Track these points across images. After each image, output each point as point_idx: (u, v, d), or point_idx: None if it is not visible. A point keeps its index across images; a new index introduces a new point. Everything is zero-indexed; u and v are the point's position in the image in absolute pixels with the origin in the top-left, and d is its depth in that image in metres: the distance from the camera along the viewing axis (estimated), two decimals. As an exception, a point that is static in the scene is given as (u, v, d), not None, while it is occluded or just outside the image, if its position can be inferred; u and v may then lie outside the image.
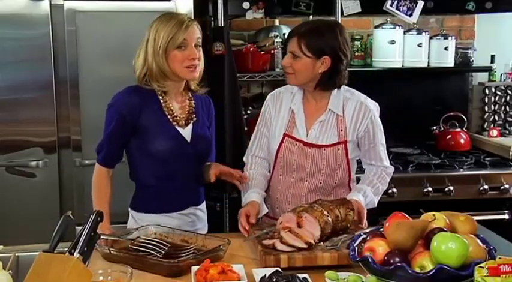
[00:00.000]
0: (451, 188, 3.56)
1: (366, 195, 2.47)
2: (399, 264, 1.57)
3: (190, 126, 2.46)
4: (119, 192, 3.18)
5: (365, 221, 2.38)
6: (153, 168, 2.45)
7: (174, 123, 2.43)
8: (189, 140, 2.44)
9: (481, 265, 1.52)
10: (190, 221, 2.51)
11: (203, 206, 2.60)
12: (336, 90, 2.49)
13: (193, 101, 2.52)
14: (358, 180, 2.61)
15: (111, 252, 2.10)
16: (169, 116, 2.43)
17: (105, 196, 2.51)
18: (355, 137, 2.49)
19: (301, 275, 1.82)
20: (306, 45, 2.37)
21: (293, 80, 2.46)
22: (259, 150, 2.59)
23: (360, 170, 2.67)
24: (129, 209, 2.58)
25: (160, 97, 2.44)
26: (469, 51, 4.15)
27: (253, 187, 2.50)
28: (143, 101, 2.42)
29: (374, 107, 2.53)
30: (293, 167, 2.49)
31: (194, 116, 2.49)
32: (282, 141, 2.50)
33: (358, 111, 2.48)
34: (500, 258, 1.56)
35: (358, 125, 2.48)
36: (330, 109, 2.47)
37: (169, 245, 2.13)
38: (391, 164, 2.63)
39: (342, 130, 2.47)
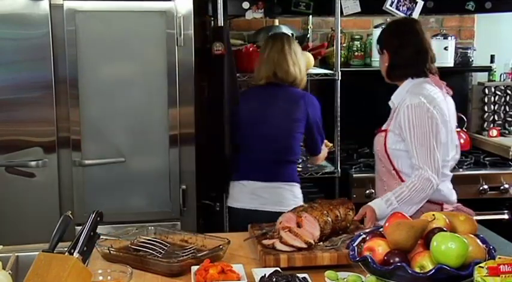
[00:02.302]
0: (451, 187, 3.55)
1: (390, 203, 2.43)
2: (399, 264, 1.57)
3: None
4: (119, 192, 3.20)
5: (368, 225, 2.35)
6: None
7: None
8: None
9: (480, 265, 1.52)
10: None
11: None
12: (405, 82, 2.63)
13: None
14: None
15: (111, 252, 2.10)
16: None
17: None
18: (396, 129, 2.55)
19: (300, 275, 1.82)
20: (377, 44, 2.75)
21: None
22: None
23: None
24: (294, 183, 3.14)
25: None
26: (469, 51, 4.15)
27: None
28: None
29: (411, 102, 2.52)
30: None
31: None
32: None
33: (401, 104, 2.57)
34: (499, 258, 1.56)
35: (398, 117, 2.55)
36: (391, 99, 2.66)
37: (169, 245, 2.13)
38: None
39: (390, 120, 2.61)
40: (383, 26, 3.93)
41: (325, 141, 3.38)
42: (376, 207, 2.40)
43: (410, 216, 1.82)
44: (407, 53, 2.62)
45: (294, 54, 3.17)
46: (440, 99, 2.59)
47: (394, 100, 2.65)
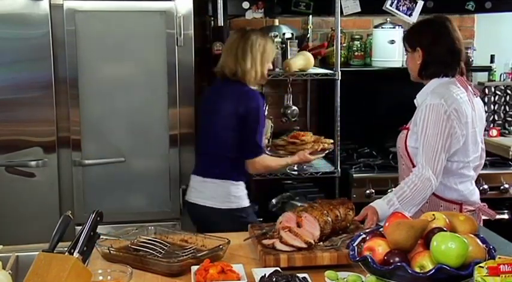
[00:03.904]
0: (451, 187, 3.55)
1: (392, 203, 2.42)
2: (399, 264, 1.57)
3: None
4: (119, 192, 3.20)
5: (368, 225, 2.34)
6: None
7: None
8: None
9: (480, 265, 1.52)
10: None
11: None
12: (432, 81, 2.62)
13: None
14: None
15: (111, 252, 2.10)
16: None
17: (277, 158, 3.22)
18: (414, 127, 2.56)
19: (300, 275, 1.82)
20: (406, 42, 2.69)
21: (411, 77, 2.72)
22: None
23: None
24: (231, 180, 3.00)
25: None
26: (469, 51, 4.14)
27: None
28: None
29: (430, 102, 2.51)
30: None
31: None
32: None
33: (420, 103, 2.57)
34: (500, 258, 1.56)
35: (416, 116, 2.56)
36: (416, 97, 2.66)
37: (168, 245, 2.13)
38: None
39: (412, 118, 2.61)
40: (383, 26, 3.95)
41: (322, 138, 3.33)
42: (378, 207, 2.40)
43: (411, 216, 1.82)
44: (442, 50, 2.61)
45: (242, 50, 3.02)
46: (464, 101, 2.55)
47: (419, 98, 2.65)
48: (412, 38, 2.67)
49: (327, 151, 3.43)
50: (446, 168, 2.52)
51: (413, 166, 2.56)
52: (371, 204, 2.43)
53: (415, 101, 2.67)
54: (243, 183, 3.07)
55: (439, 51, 2.60)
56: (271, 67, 3.20)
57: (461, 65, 2.64)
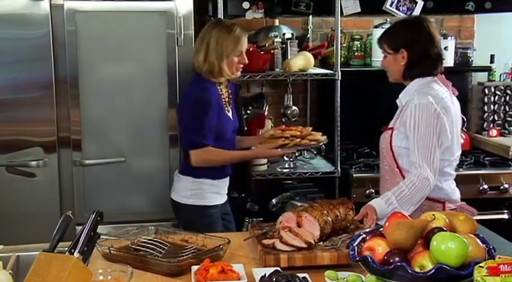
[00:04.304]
0: (451, 187, 3.56)
1: (390, 202, 2.43)
2: (399, 263, 1.57)
3: (231, 110, 3.02)
4: (119, 192, 3.20)
5: (368, 224, 2.34)
6: (212, 144, 2.88)
7: (226, 107, 2.97)
8: (233, 121, 3.01)
9: (480, 265, 1.52)
10: (225, 186, 3.03)
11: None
12: (414, 81, 2.62)
13: (229, 87, 3.05)
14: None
15: (111, 251, 2.10)
16: (224, 102, 2.96)
17: (225, 151, 2.94)
18: (401, 127, 2.55)
19: (301, 275, 1.82)
20: (386, 44, 2.66)
21: (390, 78, 2.72)
22: None
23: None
24: (182, 175, 2.97)
25: (218, 87, 2.96)
26: (469, 51, 4.15)
27: None
28: (213, 88, 2.92)
29: (419, 102, 2.52)
30: None
31: (231, 101, 3.04)
32: None
33: (408, 103, 2.57)
34: (499, 257, 1.56)
35: (404, 116, 2.56)
36: (399, 98, 2.66)
37: (169, 245, 2.13)
38: None
39: (396, 118, 2.62)
40: (383, 26, 3.94)
41: (314, 133, 3.08)
42: (377, 206, 2.40)
43: (410, 216, 1.82)
44: (428, 50, 2.62)
45: (198, 42, 2.95)
46: (448, 99, 2.59)
47: (402, 99, 2.65)
48: (395, 40, 2.65)
49: (301, 148, 3.13)
50: None
51: (397, 167, 2.59)
52: (369, 203, 2.43)
53: (397, 101, 2.68)
54: (208, 181, 2.95)
55: (425, 51, 2.61)
56: (236, 61, 2.92)
57: (440, 64, 2.67)
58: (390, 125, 2.66)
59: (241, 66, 2.98)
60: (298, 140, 2.96)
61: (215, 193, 3.00)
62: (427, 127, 2.50)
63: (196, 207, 2.95)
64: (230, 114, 3.01)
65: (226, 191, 3.09)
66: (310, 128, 3.16)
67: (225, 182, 3.05)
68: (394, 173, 2.61)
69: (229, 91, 3.05)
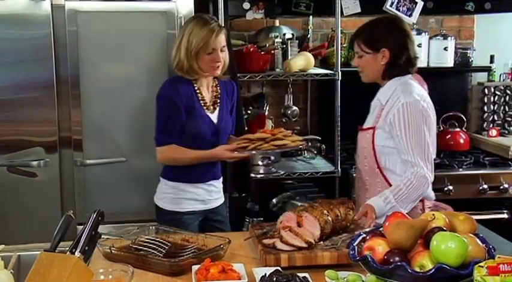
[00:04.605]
0: (451, 187, 3.56)
1: (388, 201, 2.44)
2: (399, 263, 1.57)
3: (217, 111, 2.84)
4: (120, 192, 3.20)
5: (370, 223, 2.35)
6: (186, 146, 2.76)
7: (205, 108, 2.81)
8: (215, 123, 2.82)
9: (480, 264, 1.52)
10: (209, 191, 2.88)
11: (221, 180, 2.97)
12: (392, 81, 2.61)
13: (219, 88, 2.89)
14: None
15: (112, 251, 2.10)
16: (201, 102, 2.80)
17: (188, 150, 2.78)
18: (385, 126, 2.54)
19: (301, 274, 1.82)
20: (364, 43, 2.61)
21: (365, 78, 2.70)
22: None
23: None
24: (160, 177, 2.89)
25: (195, 85, 2.81)
26: (469, 52, 4.15)
27: None
28: (184, 87, 2.78)
29: (406, 101, 2.52)
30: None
31: (219, 101, 2.86)
32: None
33: (392, 102, 2.56)
34: (499, 257, 1.56)
35: (389, 115, 2.54)
36: (377, 98, 2.64)
37: (170, 244, 2.13)
38: None
39: (378, 117, 2.59)
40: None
41: (291, 137, 2.76)
42: (375, 205, 2.41)
43: (408, 213, 1.83)
44: (406, 50, 2.62)
45: (177, 35, 2.85)
46: (428, 97, 2.62)
47: (382, 98, 2.63)
48: (376, 39, 2.61)
49: (260, 152, 2.80)
50: None
51: (378, 167, 2.59)
52: (368, 202, 2.44)
53: (374, 101, 2.66)
54: (182, 185, 2.84)
55: (405, 50, 2.61)
56: (208, 59, 2.74)
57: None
58: (369, 125, 2.65)
59: (218, 64, 2.77)
60: (260, 143, 2.68)
61: (191, 199, 2.86)
62: (417, 125, 2.51)
63: (169, 212, 2.85)
64: (213, 115, 2.83)
65: (213, 197, 2.92)
66: (290, 132, 2.81)
67: (204, 189, 2.88)
68: (375, 174, 2.61)
69: (219, 91, 2.88)
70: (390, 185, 2.55)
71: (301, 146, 2.91)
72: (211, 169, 2.88)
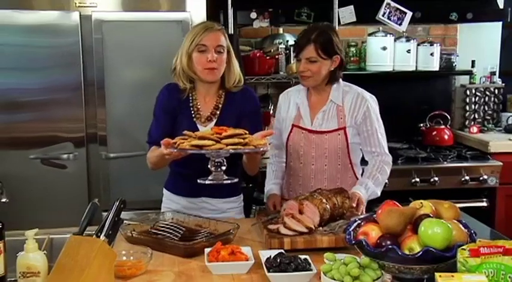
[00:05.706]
0: (436, 178, 3.54)
1: (368, 187, 2.44)
2: (390, 246, 1.56)
3: (212, 124, 2.35)
4: (140, 182, 3.20)
5: (362, 210, 2.36)
6: (155, 144, 2.34)
7: (195, 119, 2.39)
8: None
9: (463, 247, 1.51)
10: (199, 208, 2.47)
11: (223, 199, 2.47)
12: (336, 84, 2.54)
13: (224, 99, 2.41)
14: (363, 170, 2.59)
15: (133, 235, 2.10)
16: (192, 112, 2.42)
17: (155, 150, 2.31)
18: (354, 124, 2.50)
19: (302, 256, 1.81)
20: (322, 50, 2.43)
21: (311, 82, 2.49)
22: (275, 142, 2.62)
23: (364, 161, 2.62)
24: (164, 189, 2.62)
25: (190, 94, 2.44)
26: (452, 57, 4.12)
27: (274, 178, 2.66)
28: (177, 94, 2.44)
29: (370, 98, 2.54)
30: (300, 152, 2.53)
31: (218, 113, 2.39)
32: (290, 131, 2.57)
33: (355, 101, 2.50)
34: (480, 241, 1.55)
35: (355, 113, 2.49)
36: (331, 100, 2.52)
37: (184, 229, 2.13)
38: None
39: (341, 118, 2.50)
40: (376, 35, 3.92)
41: (238, 131, 2.13)
42: (361, 193, 2.40)
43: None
44: (344, 56, 2.62)
45: None
46: None
47: (336, 100, 2.49)
48: (330, 46, 2.44)
49: (194, 151, 2.07)
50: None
51: (350, 163, 2.53)
52: (354, 190, 2.40)
53: (329, 104, 2.50)
54: (165, 191, 2.60)
55: (344, 56, 2.56)
56: (198, 58, 2.34)
57: None
58: (336, 127, 2.48)
59: (212, 65, 2.31)
60: (181, 141, 2.09)
61: (168, 208, 2.49)
62: (379, 117, 2.53)
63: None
64: (205, 128, 2.32)
65: (206, 214, 2.40)
66: (242, 131, 2.14)
67: (195, 203, 2.46)
68: (347, 170, 2.54)
69: (223, 102, 2.41)
70: (357, 178, 2.53)
71: (226, 154, 2.11)
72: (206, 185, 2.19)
